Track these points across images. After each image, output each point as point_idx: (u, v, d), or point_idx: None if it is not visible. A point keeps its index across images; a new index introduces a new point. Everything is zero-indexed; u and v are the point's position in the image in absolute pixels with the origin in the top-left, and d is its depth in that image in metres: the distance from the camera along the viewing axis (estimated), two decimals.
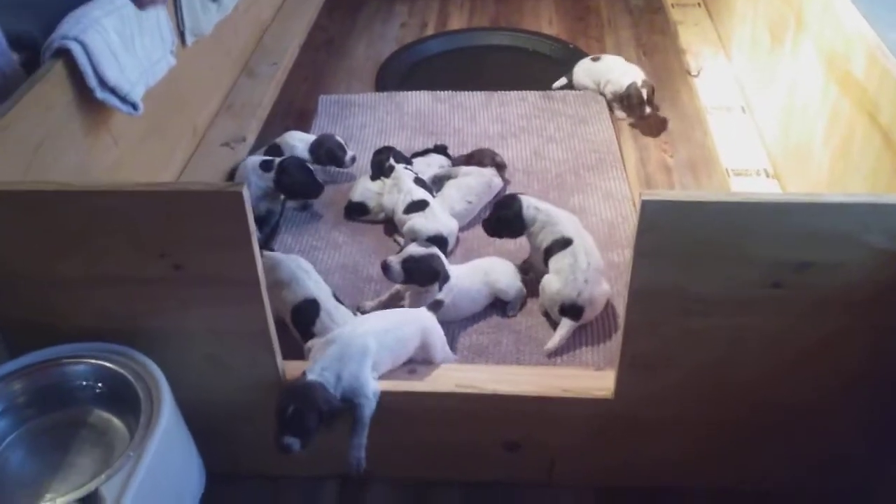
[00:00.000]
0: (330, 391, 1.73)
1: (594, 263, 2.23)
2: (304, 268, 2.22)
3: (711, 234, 1.50)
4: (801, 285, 1.55)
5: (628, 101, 3.08)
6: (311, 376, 1.75)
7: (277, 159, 2.65)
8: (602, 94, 3.27)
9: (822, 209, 1.45)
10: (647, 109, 3.02)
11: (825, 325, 1.60)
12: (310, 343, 2.02)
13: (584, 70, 3.35)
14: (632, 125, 3.16)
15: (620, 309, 2.33)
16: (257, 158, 2.70)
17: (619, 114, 3.19)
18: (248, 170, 2.64)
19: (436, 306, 2.10)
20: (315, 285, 2.18)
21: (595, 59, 3.36)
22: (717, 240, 1.51)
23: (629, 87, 3.06)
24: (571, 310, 2.20)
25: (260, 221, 2.61)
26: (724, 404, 1.74)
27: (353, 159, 2.85)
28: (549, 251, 2.28)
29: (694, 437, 1.80)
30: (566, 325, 2.20)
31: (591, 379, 1.83)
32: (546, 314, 2.30)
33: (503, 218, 2.35)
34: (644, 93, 3.01)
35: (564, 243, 2.25)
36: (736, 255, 1.52)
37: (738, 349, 1.65)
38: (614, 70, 3.23)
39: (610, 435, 1.81)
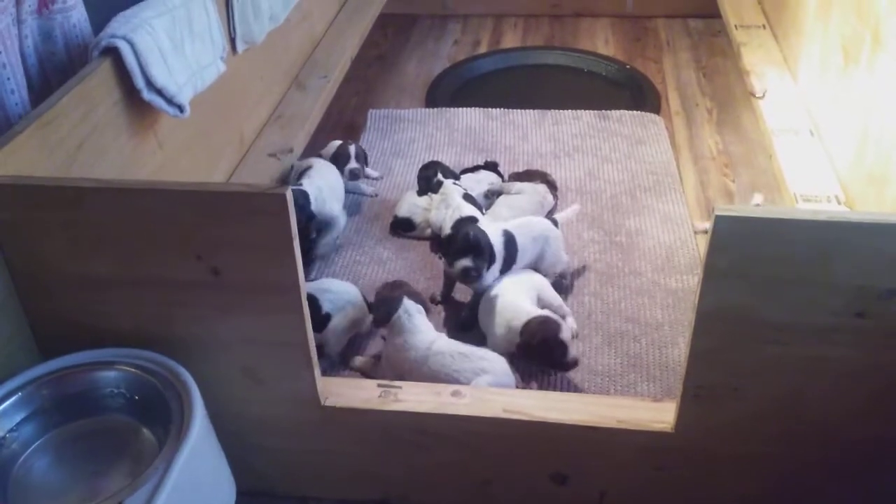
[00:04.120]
0: None
1: None
2: None
3: (791, 256, 1.38)
4: (888, 315, 1.42)
5: None
6: None
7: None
8: None
9: None
10: None
11: None
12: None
13: None
14: None
15: (680, 337, 2.20)
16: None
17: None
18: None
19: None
20: None
21: None
22: (797, 262, 1.38)
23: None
24: None
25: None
26: (796, 442, 1.60)
27: (352, 173, 2.78)
28: None
29: (761, 477, 1.66)
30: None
31: (649, 410, 1.71)
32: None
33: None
34: None
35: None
36: (817, 279, 1.39)
37: (814, 382, 1.51)
38: None
39: (668, 471, 1.68)
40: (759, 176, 2.89)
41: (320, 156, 2.86)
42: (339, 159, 2.80)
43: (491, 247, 2.19)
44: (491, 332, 2.15)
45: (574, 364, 2.03)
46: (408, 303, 2.03)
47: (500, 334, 2.11)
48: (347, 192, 2.83)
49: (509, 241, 2.28)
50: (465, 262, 2.14)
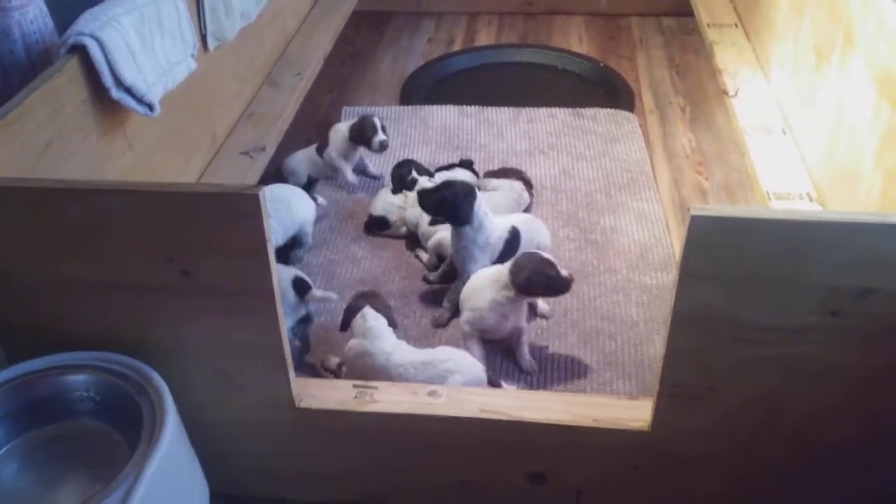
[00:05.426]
0: None
1: None
2: None
3: (766, 255, 1.38)
4: (861, 314, 1.43)
5: None
6: None
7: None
8: None
9: (890, 230, 1.32)
10: None
11: (886, 357, 1.47)
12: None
13: None
14: None
15: (655, 335, 2.21)
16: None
17: None
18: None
19: None
20: None
21: None
22: (772, 261, 1.38)
23: None
24: None
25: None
26: (773, 440, 1.61)
27: (382, 144, 2.78)
28: None
29: (738, 475, 1.67)
30: None
31: (626, 409, 1.70)
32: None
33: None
34: None
35: None
36: (791, 278, 1.40)
37: (789, 381, 1.52)
38: None
39: (644, 470, 1.68)
40: (733, 173, 2.91)
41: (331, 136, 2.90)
42: (364, 131, 2.78)
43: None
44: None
45: (571, 279, 2.04)
46: (367, 310, 2.01)
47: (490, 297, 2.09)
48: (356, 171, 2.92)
49: (514, 237, 2.27)
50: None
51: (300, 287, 2.18)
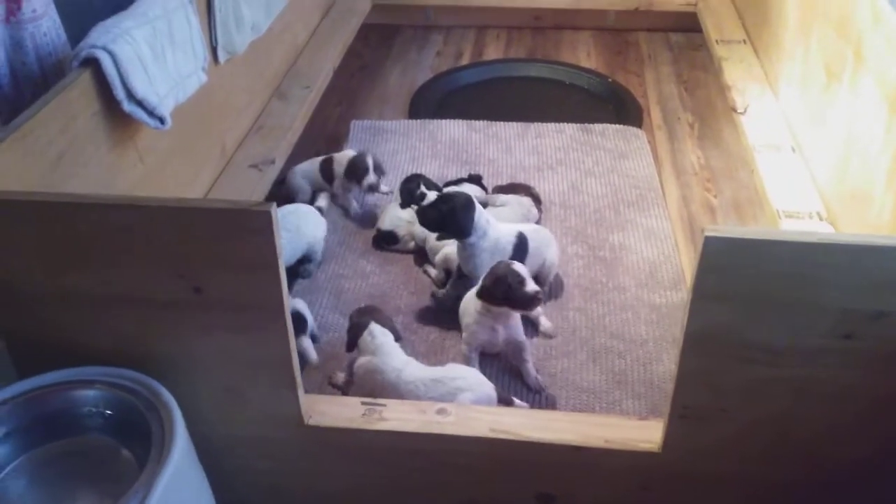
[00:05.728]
0: None
1: None
2: None
3: (779, 277, 1.37)
4: (875, 337, 1.42)
5: None
6: None
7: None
8: None
9: None
10: None
11: None
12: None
13: None
14: None
15: (664, 354, 2.20)
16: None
17: None
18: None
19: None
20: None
21: None
22: (785, 283, 1.38)
23: None
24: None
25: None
26: (783, 462, 1.60)
27: (371, 187, 2.71)
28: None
29: (748, 496, 1.66)
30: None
31: (636, 429, 1.69)
32: None
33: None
34: None
35: None
36: (806, 301, 1.39)
37: (802, 403, 1.51)
38: None
39: (654, 491, 1.67)
40: (742, 191, 2.91)
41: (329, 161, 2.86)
42: (356, 171, 2.71)
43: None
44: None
45: (536, 298, 2.00)
46: (374, 326, 2.01)
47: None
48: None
49: (521, 243, 2.27)
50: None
51: (296, 323, 2.14)
